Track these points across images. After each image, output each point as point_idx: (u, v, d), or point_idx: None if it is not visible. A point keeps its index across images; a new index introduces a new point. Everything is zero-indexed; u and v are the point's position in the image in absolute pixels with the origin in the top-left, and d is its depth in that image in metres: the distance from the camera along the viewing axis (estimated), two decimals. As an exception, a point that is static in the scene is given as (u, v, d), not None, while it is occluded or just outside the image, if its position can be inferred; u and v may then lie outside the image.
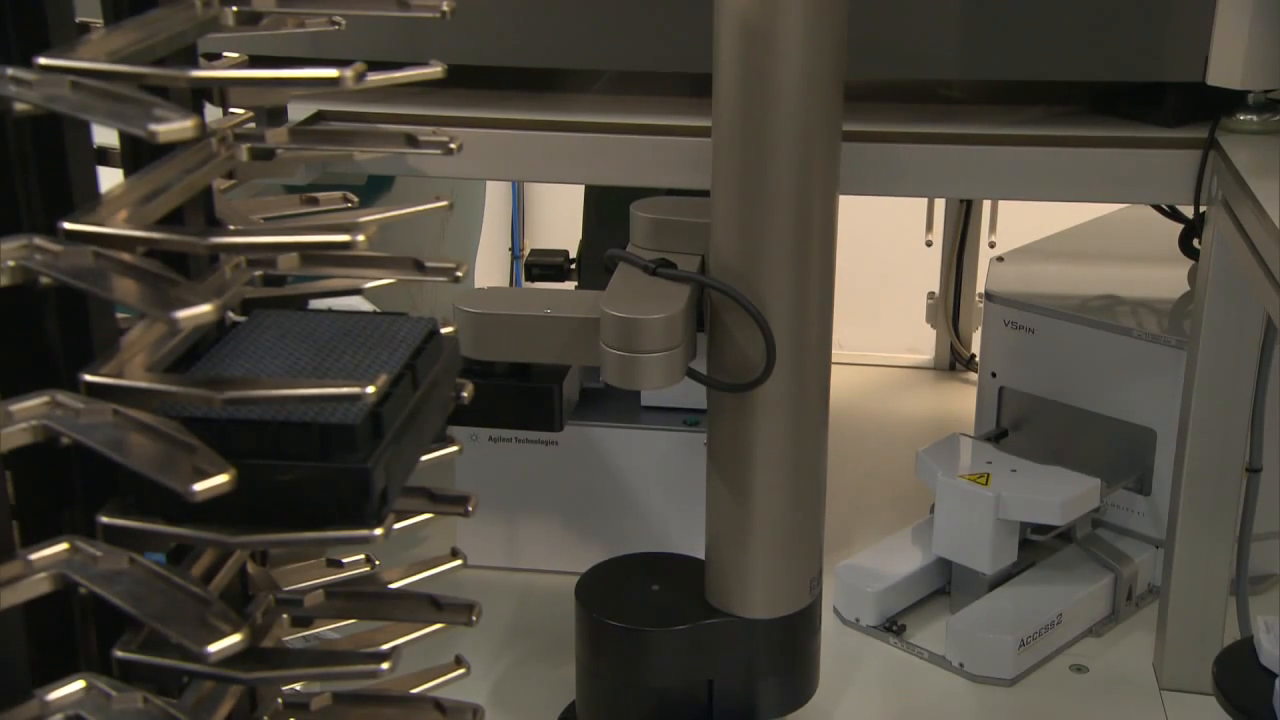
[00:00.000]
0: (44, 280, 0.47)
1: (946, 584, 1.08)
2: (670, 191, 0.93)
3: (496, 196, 1.95)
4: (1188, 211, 0.97)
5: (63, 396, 0.49)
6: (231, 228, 0.62)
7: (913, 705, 0.99)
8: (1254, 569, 1.01)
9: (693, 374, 0.83)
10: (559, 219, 1.89)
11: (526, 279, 1.28)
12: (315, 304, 0.67)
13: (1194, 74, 0.91)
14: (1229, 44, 0.89)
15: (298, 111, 0.96)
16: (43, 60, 0.46)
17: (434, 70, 0.62)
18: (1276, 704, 0.82)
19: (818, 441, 0.86)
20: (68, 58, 0.47)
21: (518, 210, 2.01)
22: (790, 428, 0.84)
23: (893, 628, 1.05)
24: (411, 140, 0.65)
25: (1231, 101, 0.92)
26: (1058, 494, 1.02)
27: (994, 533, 1.02)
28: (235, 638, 0.47)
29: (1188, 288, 1.14)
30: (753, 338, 0.81)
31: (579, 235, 1.26)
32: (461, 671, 0.69)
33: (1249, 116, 0.92)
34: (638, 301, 0.81)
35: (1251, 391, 0.93)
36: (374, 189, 1.22)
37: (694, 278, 0.83)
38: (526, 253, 1.32)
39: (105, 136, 0.56)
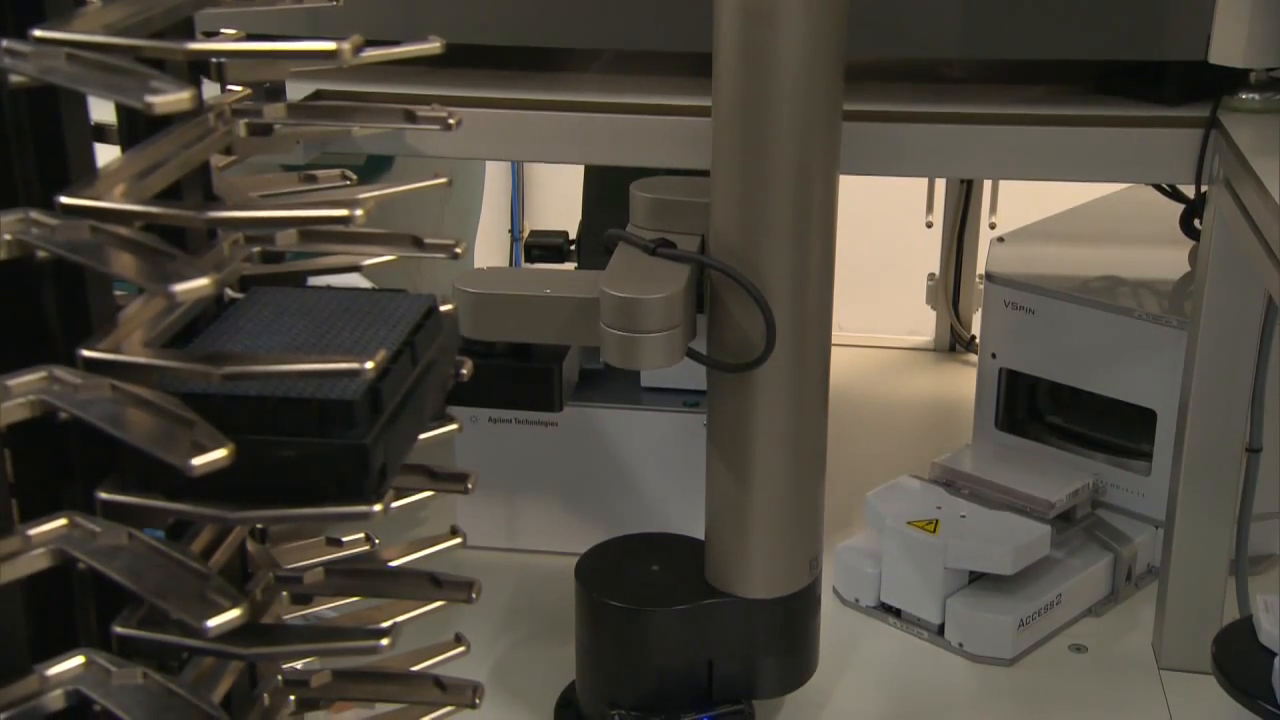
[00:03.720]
0: (41, 254, 0.47)
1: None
2: (670, 172, 0.93)
3: (496, 178, 1.94)
4: (1189, 192, 0.97)
5: (60, 372, 0.49)
6: (230, 203, 0.62)
7: (911, 685, 0.99)
8: (1253, 549, 1.01)
9: (693, 354, 0.83)
10: (558, 200, 1.89)
11: (526, 260, 1.28)
12: (313, 281, 0.67)
13: (1196, 52, 0.91)
14: (1231, 22, 0.88)
15: (296, 92, 0.95)
16: (38, 32, 0.46)
17: (432, 46, 0.61)
18: (1276, 683, 0.82)
19: (818, 421, 0.86)
20: (64, 30, 0.46)
21: (517, 192, 2.01)
22: (790, 408, 0.84)
23: (892, 608, 1.05)
24: (410, 116, 0.65)
25: (1233, 80, 0.92)
26: (1008, 541, 1.00)
27: (943, 581, 1.00)
28: (234, 612, 0.47)
29: (1188, 268, 1.13)
30: (753, 318, 0.81)
31: (579, 216, 1.26)
32: (461, 650, 0.69)
33: (1251, 95, 0.92)
34: (637, 281, 0.80)
35: (1252, 372, 0.93)
36: (373, 171, 1.22)
37: (694, 257, 0.83)
38: (526, 234, 1.32)
39: (102, 114, 0.56)
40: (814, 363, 0.85)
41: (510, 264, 1.98)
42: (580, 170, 1.27)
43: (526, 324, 0.85)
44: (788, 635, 0.90)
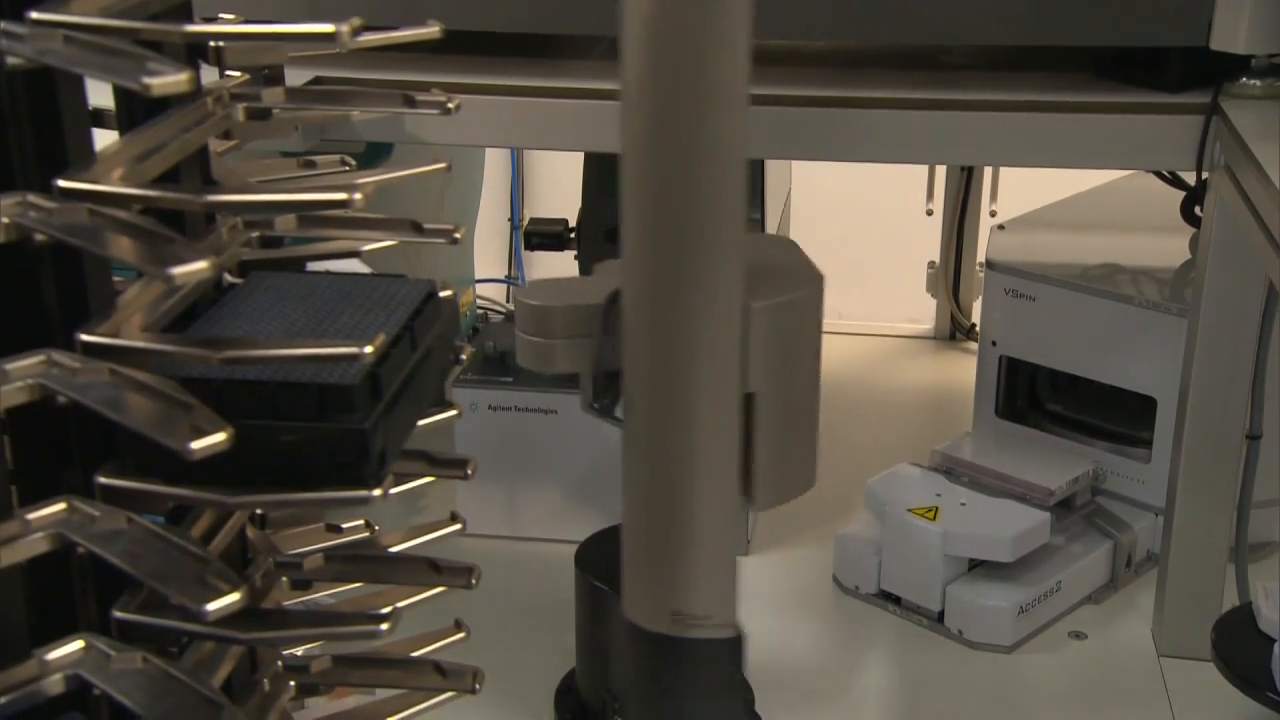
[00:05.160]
0: (39, 237, 0.47)
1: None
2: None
3: (496, 166, 1.94)
4: (1190, 178, 0.97)
5: (59, 356, 0.49)
6: (228, 187, 0.62)
7: (911, 672, 0.99)
8: (1253, 536, 1.02)
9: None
10: (558, 188, 1.89)
11: (526, 248, 1.27)
12: (313, 266, 0.67)
13: (1197, 38, 0.91)
14: (1232, 8, 0.88)
15: (295, 79, 0.95)
16: (35, 15, 0.46)
17: (432, 30, 0.61)
18: (1275, 669, 0.83)
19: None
20: (61, 12, 0.46)
21: (517, 180, 2.00)
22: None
23: (892, 595, 1.05)
24: (409, 101, 0.65)
25: (1235, 66, 0.92)
26: (1008, 529, 1.00)
27: (943, 569, 1.01)
28: (234, 596, 0.46)
29: (1189, 255, 1.13)
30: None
31: (579, 204, 1.26)
32: (461, 636, 0.69)
33: (1252, 81, 0.92)
34: (558, 290, 0.78)
35: (1252, 359, 0.93)
36: (372, 159, 1.21)
37: None
38: (526, 222, 1.32)
39: (100, 99, 0.56)
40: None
41: (510, 252, 1.98)
42: (580, 157, 1.26)
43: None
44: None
